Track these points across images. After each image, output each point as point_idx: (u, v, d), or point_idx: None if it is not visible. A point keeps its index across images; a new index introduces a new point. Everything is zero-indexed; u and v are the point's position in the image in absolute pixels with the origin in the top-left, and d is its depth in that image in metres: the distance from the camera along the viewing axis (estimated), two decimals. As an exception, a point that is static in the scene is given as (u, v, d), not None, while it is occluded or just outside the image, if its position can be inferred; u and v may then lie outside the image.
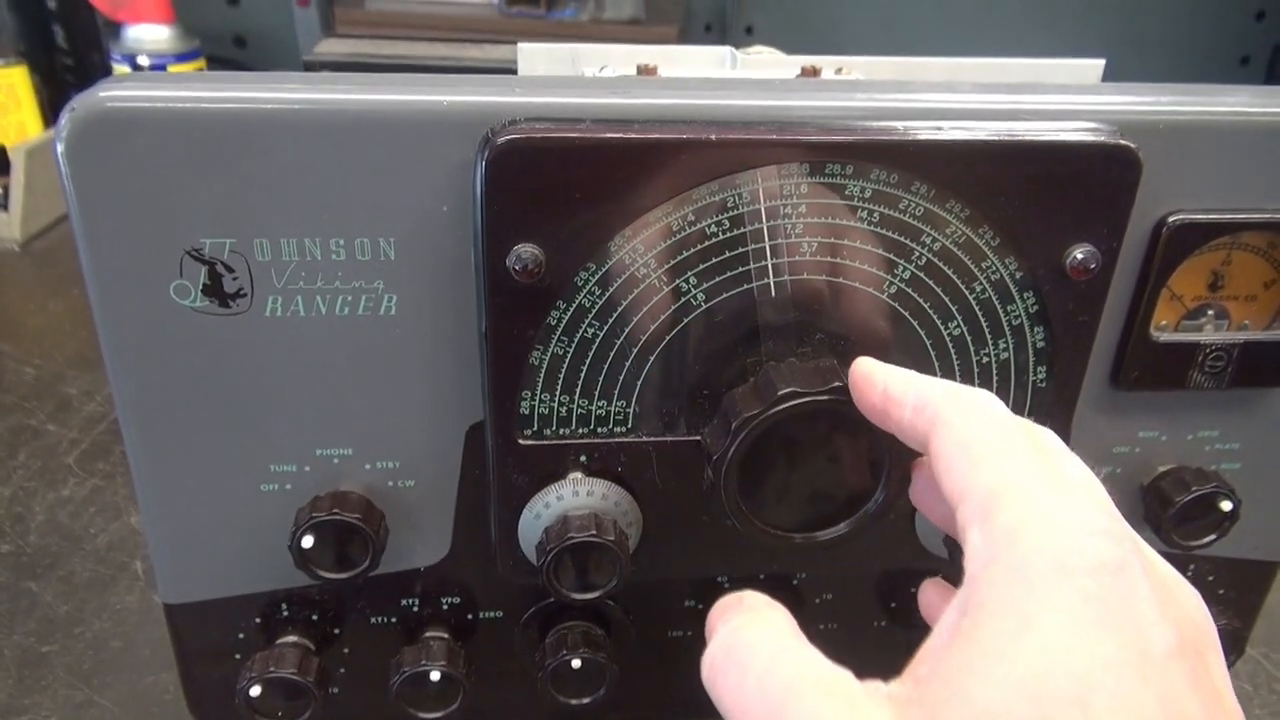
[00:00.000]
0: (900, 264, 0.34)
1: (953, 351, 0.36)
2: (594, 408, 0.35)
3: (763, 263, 0.34)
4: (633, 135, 0.31)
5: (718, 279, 0.34)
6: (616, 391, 0.35)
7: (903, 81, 0.36)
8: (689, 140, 0.31)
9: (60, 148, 0.30)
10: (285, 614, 0.40)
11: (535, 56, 0.54)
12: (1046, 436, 0.27)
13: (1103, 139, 0.33)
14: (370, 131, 0.31)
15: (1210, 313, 0.39)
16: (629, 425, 0.36)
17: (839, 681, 0.23)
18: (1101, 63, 0.51)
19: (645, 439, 0.36)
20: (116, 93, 0.30)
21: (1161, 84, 0.36)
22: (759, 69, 0.53)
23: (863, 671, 0.24)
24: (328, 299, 0.33)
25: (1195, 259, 0.37)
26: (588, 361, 0.34)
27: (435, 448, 0.37)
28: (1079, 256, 0.34)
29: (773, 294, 0.34)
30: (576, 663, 0.40)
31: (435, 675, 0.39)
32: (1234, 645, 0.47)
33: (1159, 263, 0.36)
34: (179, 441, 0.35)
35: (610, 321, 0.34)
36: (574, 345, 0.34)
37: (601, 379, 0.35)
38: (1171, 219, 0.36)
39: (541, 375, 0.34)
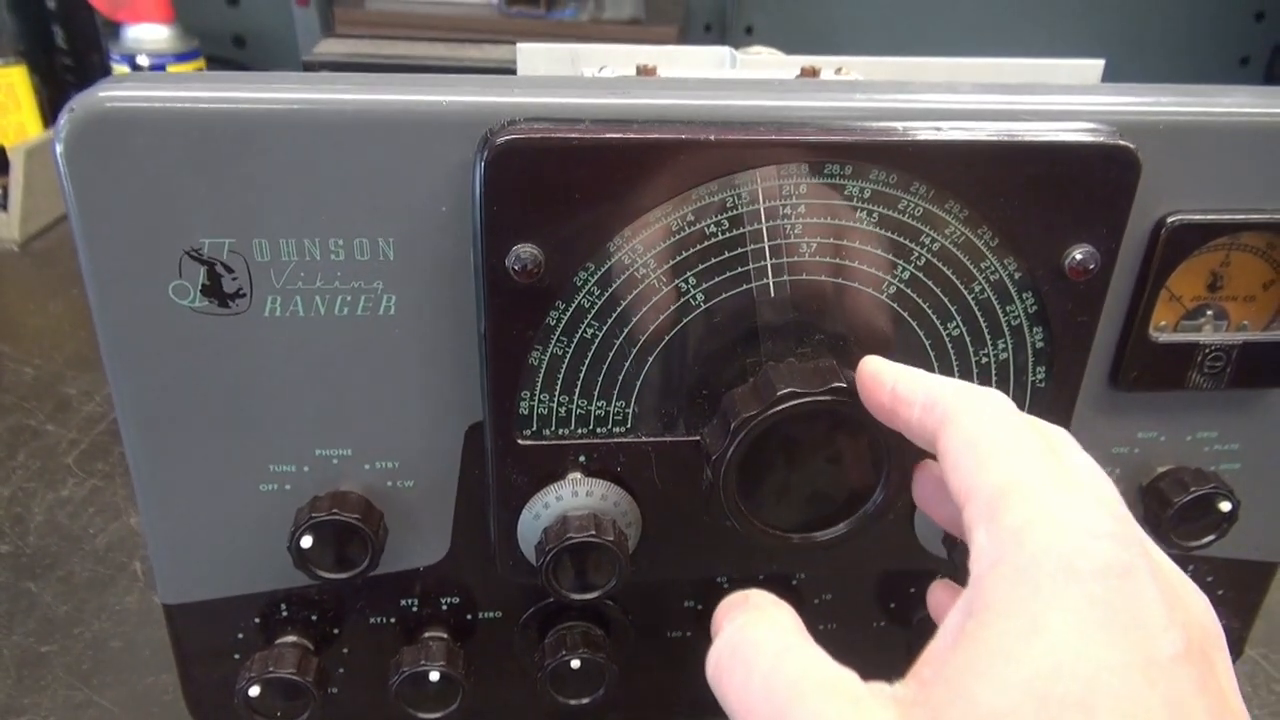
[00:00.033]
0: (899, 264, 0.34)
1: (952, 352, 0.36)
2: (593, 408, 0.35)
3: (762, 263, 0.34)
4: (632, 135, 0.31)
5: (717, 279, 0.34)
6: (616, 392, 0.35)
7: (902, 82, 0.36)
8: (688, 141, 0.31)
9: (59, 148, 0.30)
10: (284, 614, 0.40)
11: (535, 57, 0.54)
12: (1058, 435, 0.27)
13: (1102, 139, 0.33)
14: (369, 132, 0.31)
15: (1209, 313, 0.39)
16: (628, 425, 0.36)
17: (844, 682, 0.23)
18: (1101, 63, 0.51)
19: (644, 439, 0.36)
20: (115, 93, 0.30)
21: (1160, 84, 0.36)
22: (758, 69, 0.54)
23: (862, 672, 0.24)
24: (327, 299, 0.33)
25: (1194, 259, 0.37)
26: (587, 362, 0.34)
27: (434, 448, 0.37)
28: (1078, 257, 0.34)
29: (772, 294, 0.34)
30: (576, 663, 0.40)
31: (434, 675, 0.39)
32: (1233, 646, 0.47)
33: (1158, 263, 0.36)
34: (178, 442, 0.35)
35: (609, 322, 0.34)
36: (573, 345, 0.34)
37: (601, 379, 0.35)
38: (1170, 219, 0.36)
39: (540, 375, 0.34)
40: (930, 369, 0.36)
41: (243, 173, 0.31)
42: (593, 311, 0.33)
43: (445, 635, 0.40)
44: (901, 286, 0.34)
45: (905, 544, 0.40)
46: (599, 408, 0.35)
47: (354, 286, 0.33)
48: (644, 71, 0.51)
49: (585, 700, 0.41)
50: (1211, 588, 0.45)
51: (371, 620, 0.41)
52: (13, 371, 0.73)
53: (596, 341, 0.34)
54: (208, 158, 0.31)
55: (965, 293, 0.35)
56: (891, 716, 0.22)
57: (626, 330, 0.34)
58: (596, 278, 0.33)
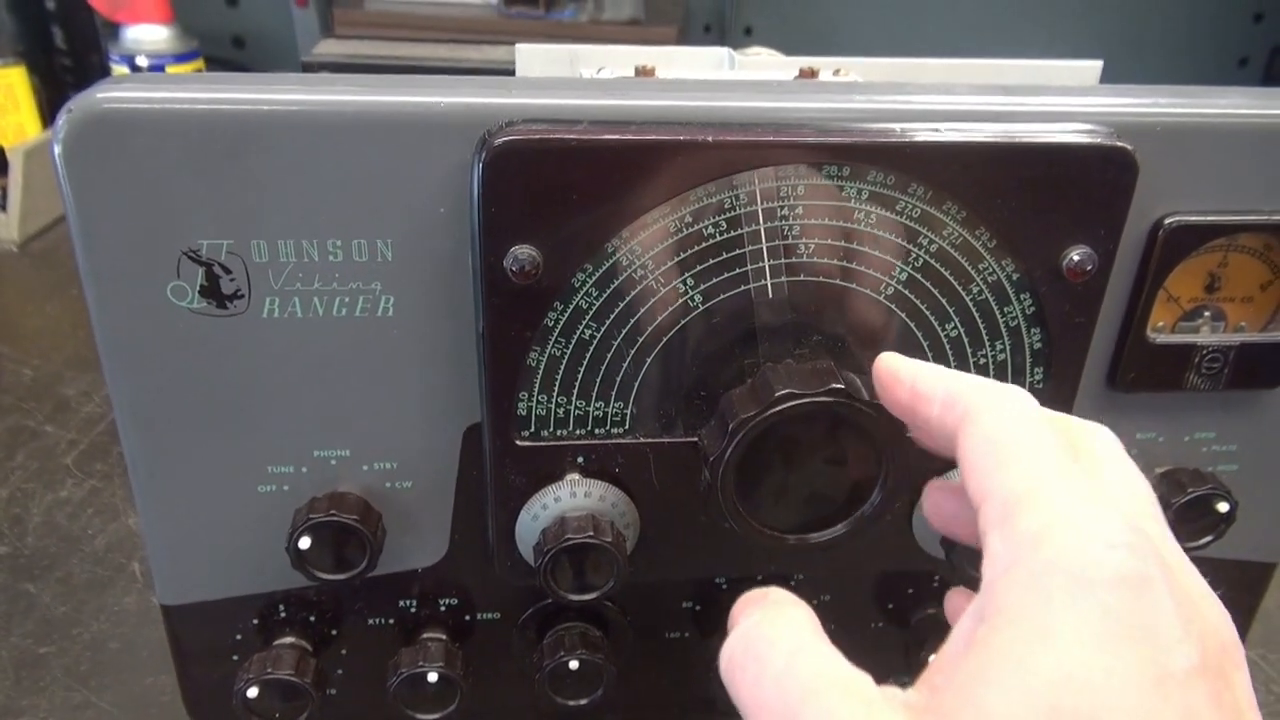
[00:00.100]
0: (897, 265, 0.34)
1: (950, 353, 0.36)
2: (591, 409, 0.35)
3: (760, 264, 0.34)
4: (630, 137, 0.31)
5: (715, 280, 0.34)
6: (614, 393, 0.35)
7: (900, 83, 0.36)
8: (686, 142, 0.31)
9: (57, 149, 0.30)
10: (283, 615, 0.40)
11: (533, 57, 0.54)
12: (1087, 435, 0.26)
13: (1099, 141, 0.33)
14: (368, 133, 0.31)
15: (1207, 314, 0.39)
16: (626, 426, 0.36)
17: (857, 684, 0.23)
18: (1099, 64, 0.51)
19: (643, 440, 0.36)
20: (113, 94, 0.30)
21: (1158, 86, 0.36)
22: (757, 70, 0.54)
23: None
24: (325, 300, 0.33)
25: (1192, 260, 0.37)
26: (585, 363, 0.34)
27: (433, 449, 0.37)
28: (1075, 258, 0.34)
29: (770, 295, 0.34)
30: (574, 664, 0.40)
31: (433, 676, 0.39)
32: (1231, 646, 0.47)
33: (1155, 264, 0.36)
34: (176, 443, 0.35)
35: (607, 323, 0.34)
36: (571, 346, 0.34)
37: (599, 380, 0.35)
38: (1168, 221, 0.36)
39: (539, 376, 0.34)
40: (928, 370, 0.36)
41: (241, 174, 0.31)
42: (591, 312, 0.33)
43: (443, 636, 0.40)
44: (900, 287, 0.35)
45: (903, 545, 0.40)
46: (597, 409, 0.35)
47: (352, 287, 0.33)
48: (643, 72, 0.51)
49: (584, 701, 0.41)
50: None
51: (370, 621, 0.41)
52: (11, 372, 0.73)
53: (595, 342, 0.34)
54: (206, 159, 0.31)
55: (963, 294, 0.35)
56: None
57: (625, 331, 0.34)
58: (595, 279, 0.33)
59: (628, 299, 0.33)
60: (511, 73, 0.55)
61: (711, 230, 0.33)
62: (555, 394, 0.35)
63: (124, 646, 0.50)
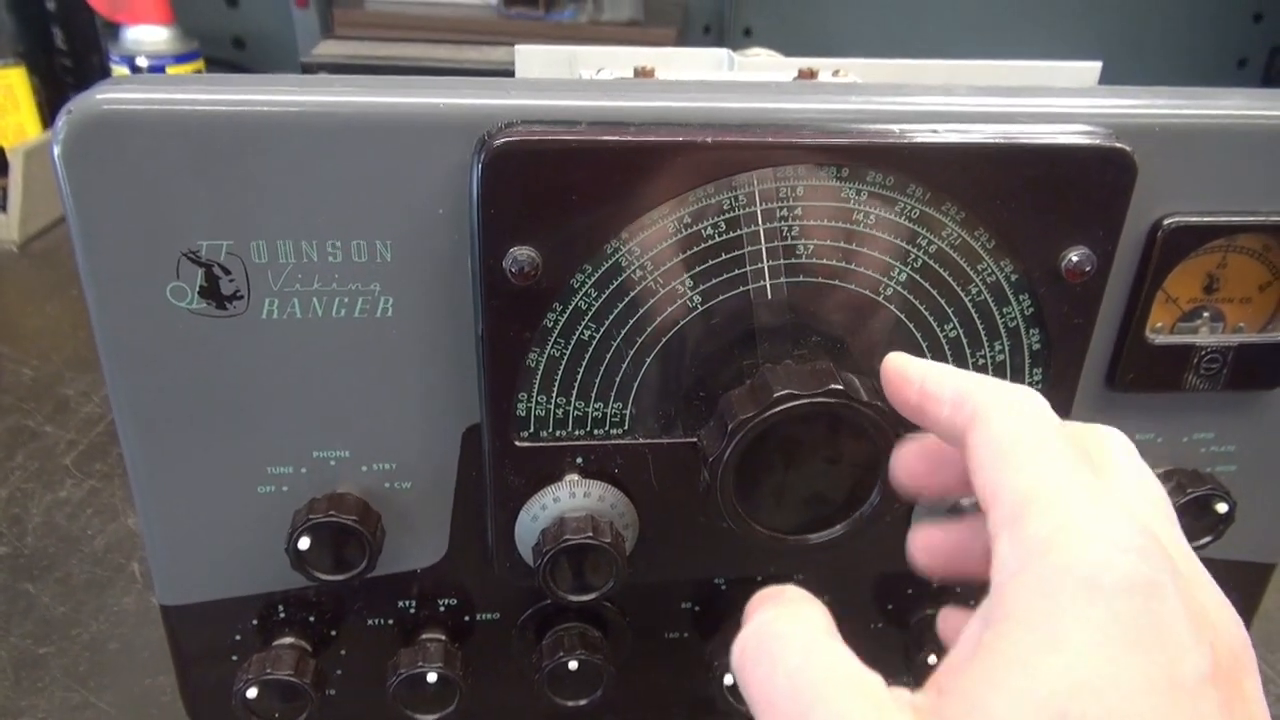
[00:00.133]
0: (896, 266, 0.34)
1: (949, 353, 0.36)
2: (590, 410, 0.35)
3: (759, 265, 0.34)
4: (629, 138, 0.31)
5: (714, 281, 0.34)
6: (613, 393, 0.35)
7: (899, 84, 0.36)
8: (685, 143, 0.31)
9: (57, 150, 0.30)
10: (282, 616, 0.40)
11: (533, 58, 0.54)
12: (1100, 440, 0.26)
13: (1098, 142, 0.33)
14: (367, 134, 0.31)
15: (1205, 315, 0.39)
16: (625, 427, 0.36)
17: (868, 684, 0.22)
18: (1098, 65, 0.51)
19: (642, 441, 0.36)
20: (113, 95, 0.30)
21: (1156, 87, 0.36)
22: (756, 71, 0.54)
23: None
24: (324, 301, 0.33)
25: (1190, 261, 0.37)
26: (584, 364, 0.34)
27: (432, 450, 0.37)
28: (1074, 259, 0.34)
29: (769, 296, 0.34)
30: (573, 664, 0.40)
31: (432, 677, 0.39)
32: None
33: (1154, 265, 0.36)
34: (176, 443, 0.35)
35: (606, 323, 0.34)
36: (570, 347, 0.34)
37: (598, 381, 0.35)
38: (1167, 221, 0.36)
39: (538, 377, 0.34)
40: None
41: (241, 175, 0.31)
42: (590, 313, 0.33)
43: (443, 637, 0.40)
44: (899, 288, 0.35)
45: (903, 545, 0.40)
46: (596, 409, 0.35)
47: (352, 288, 0.33)
48: (642, 73, 0.51)
49: (583, 702, 0.41)
50: (1208, 589, 0.45)
51: (369, 622, 0.41)
52: (11, 372, 0.73)
53: (594, 343, 0.34)
54: (205, 160, 0.31)
55: (962, 294, 0.35)
56: None
57: (624, 332, 0.34)
58: (594, 280, 0.33)
59: (627, 300, 0.33)
60: (511, 74, 0.55)
61: (710, 231, 0.33)
62: (554, 395, 0.35)
63: (123, 647, 0.50)
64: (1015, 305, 0.35)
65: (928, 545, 0.30)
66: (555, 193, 0.31)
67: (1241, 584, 0.45)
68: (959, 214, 0.33)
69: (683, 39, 1.17)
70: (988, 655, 0.21)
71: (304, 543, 0.36)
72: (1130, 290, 0.37)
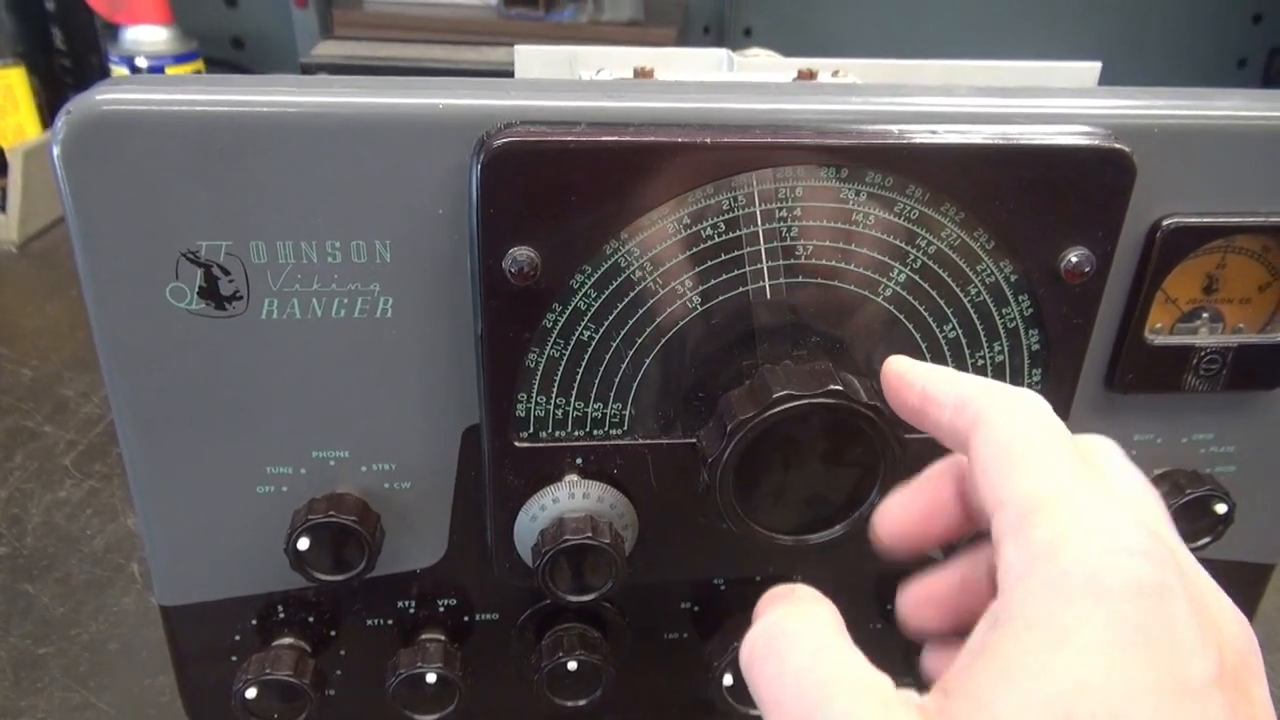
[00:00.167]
0: (896, 267, 0.34)
1: (948, 354, 0.36)
2: (590, 410, 0.35)
3: (758, 265, 0.34)
4: (628, 138, 0.31)
5: (713, 282, 0.34)
6: (612, 394, 0.35)
7: (898, 85, 0.36)
8: (685, 144, 0.31)
9: (56, 150, 0.30)
10: (281, 616, 0.40)
11: (532, 59, 0.54)
12: (1094, 446, 0.26)
13: (1097, 143, 0.33)
14: (366, 135, 0.31)
15: (1205, 316, 0.39)
16: (625, 428, 0.36)
17: (876, 685, 0.22)
18: (1098, 65, 0.51)
19: (641, 441, 0.36)
20: (112, 96, 0.30)
21: (1156, 88, 0.36)
22: (755, 72, 0.54)
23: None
24: (324, 301, 0.33)
25: (1190, 262, 0.37)
26: (583, 364, 0.34)
27: (431, 450, 0.37)
28: (1073, 260, 0.34)
29: (768, 297, 0.34)
30: (572, 665, 0.40)
31: (431, 677, 0.39)
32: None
33: (1153, 266, 0.36)
34: (175, 444, 0.35)
35: (606, 324, 0.34)
36: (570, 348, 0.34)
37: (597, 381, 0.35)
38: (1166, 222, 0.36)
39: (537, 378, 0.34)
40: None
41: (240, 175, 0.31)
42: (589, 314, 0.33)
43: (442, 637, 0.40)
44: (898, 289, 0.35)
45: (902, 546, 0.40)
46: (595, 410, 0.35)
47: (351, 289, 0.33)
48: (641, 74, 0.51)
49: (582, 702, 0.41)
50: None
51: (368, 622, 0.41)
52: (11, 373, 0.73)
53: (593, 344, 0.34)
54: (205, 160, 0.31)
55: (961, 295, 0.35)
56: None
57: (623, 332, 0.34)
58: (593, 280, 0.33)
59: (626, 300, 0.33)
60: (510, 74, 0.55)
61: (710, 232, 0.33)
62: (554, 395, 0.35)
63: (123, 647, 0.50)
64: (1014, 306, 0.35)
65: (924, 599, 0.29)
66: (554, 193, 0.31)
67: (1241, 584, 0.45)
68: (958, 215, 0.34)
69: (682, 39, 1.17)
70: (994, 656, 0.21)
71: (303, 543, 0.36)
72: (1129, 291, 0.37)
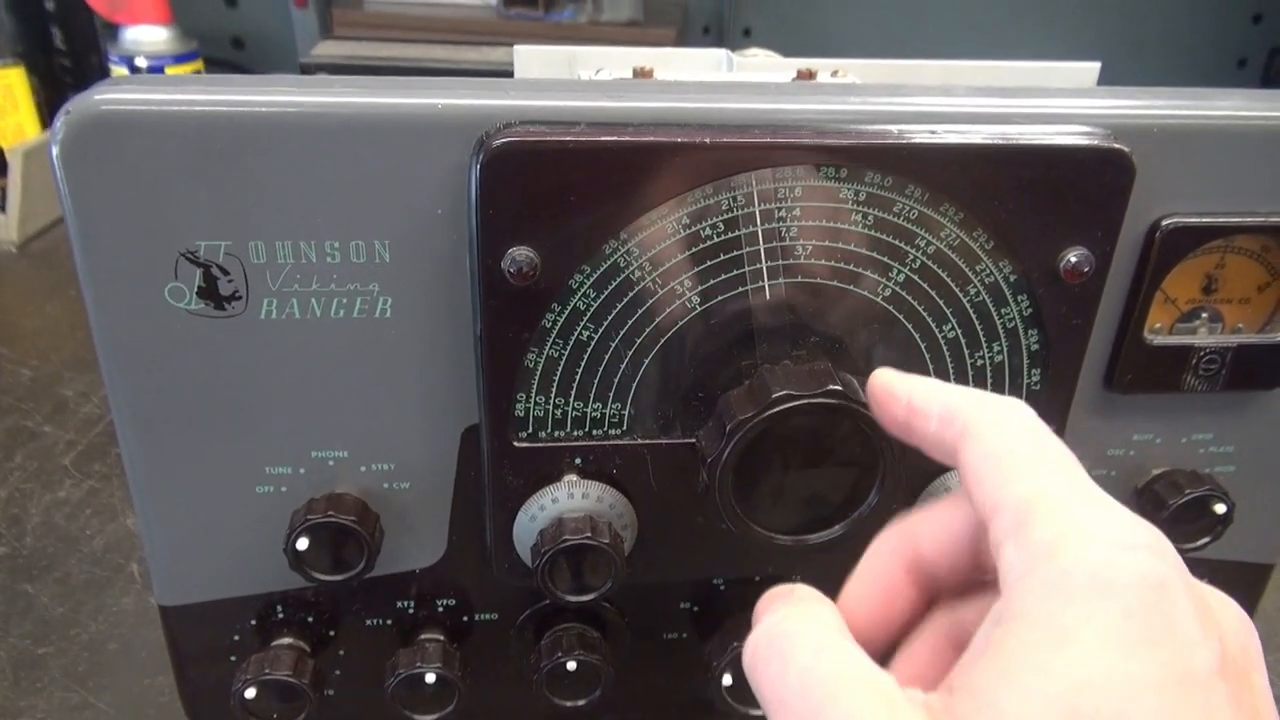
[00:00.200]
0: (895, 267, 0.34)
1: (947, 354, 0.36)
2: (589, 410, 0.35)
3: (758, 266, 0.34)
4: (628, 139, 0.31)
5: (713, 282, 0.34)
6: (611, 394, 0.35)
7: (898, 85, 0.36)
8: (684, 144, 0.32)
9: (55, 150, 0.30)
10: (280, 616, 0.40)
11: (532, 59, 0.54)
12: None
13: (1096, 143, 0.33)
14: (365, 134, 0.31)
15: (1204, 316, 0.39)
16: (624, 428, 0.36)
17: (880, 684, 0.22)
18: (1097, 65, 0.52)
19: (640, 441, 0.36)
20: (111, 95, 0.30)
21: (1155, 88, 0.36)
22: (755, 72, 0.54)
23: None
24: (323, 301, 0.33)
25: (1189, 262, 0.37)
26: (583, 364, 0.34)
27: (430, 450, 0.37)
28: (1073, 260, 0.34)
29: (767, 297, 0.34)
30: (572, 665, 0.40)
31: (430, 677, 0.39)
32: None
33: (1153, 266, 0.36)
34: (175, 444, 0.35)
35: (605, 324, 0.34)
36: (569, 348, 0.34)
37: (596, 381, 0.35)
38: (1165, 222, 0.36)
39: (536, 378, 0.34)
40: (925, 372, 0.36)
41: (239, 175, 0.31)
42: (588, 314, 0.33)
43: (441, 637, 0.40)
44: (897, 289, 0.35)
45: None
46: (595, 410, 0.35)
47: (350, 289, 0.33)
48: (641, 74, 0.51)
49: (581, 702, 0.41)
50: (1207, 590, 0.45)
51: (367, 622, 0.41)
52: (10, 373, 0.73)
53: (592, 344, 0.34)
54: (204, 160, 0.31)
55: (960, 295, 0.35)
56: None
57: (622, 333, 0.34)
58: (592, 280, 0.33)
59: (625, 300, 0.33)
60: (510, 74, 0.55)
61: (709, 232, 0.33)
62: (553, 395, 0.35)
63: (122, 647, 0.50)
64: (1014, 306, 0.35)
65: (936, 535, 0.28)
66: (554, 193, 0.31)
67: (1241, 584, 0.45)
68: (957, 215, 0.34)
69: (682, 39, 1.17)
70: (998, 653, 0.21)
71: (302, 543, 0.36)
72: (1129, 291, 0.37)
